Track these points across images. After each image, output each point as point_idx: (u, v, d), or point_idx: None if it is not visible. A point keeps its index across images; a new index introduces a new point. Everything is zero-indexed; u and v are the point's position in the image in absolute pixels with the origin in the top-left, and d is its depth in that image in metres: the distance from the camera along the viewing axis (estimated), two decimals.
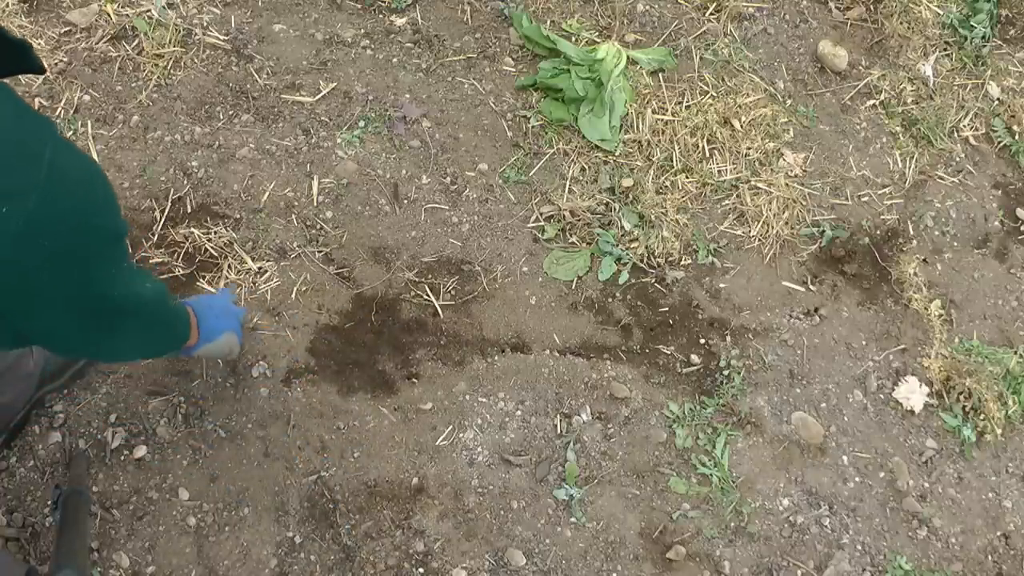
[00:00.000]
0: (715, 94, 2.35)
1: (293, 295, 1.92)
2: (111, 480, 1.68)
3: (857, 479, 1.99)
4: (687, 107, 2.31)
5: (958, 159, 2.45)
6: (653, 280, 2.12)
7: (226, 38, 2.20)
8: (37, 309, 0.99)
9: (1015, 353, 2.18)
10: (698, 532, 1.85)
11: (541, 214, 2.14)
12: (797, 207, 2.25)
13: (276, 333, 1.87)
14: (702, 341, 2.07)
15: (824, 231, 2.25)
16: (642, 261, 2.12)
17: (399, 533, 1.74)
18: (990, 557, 1.98)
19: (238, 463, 1.74)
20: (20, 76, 2.04)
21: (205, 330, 1.54)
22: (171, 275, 1.88)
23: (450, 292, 2.00)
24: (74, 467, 1.64)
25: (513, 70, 2.32)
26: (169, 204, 1.96)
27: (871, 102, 2.47)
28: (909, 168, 2.40)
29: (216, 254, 1.92)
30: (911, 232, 2.32)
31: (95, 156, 1.98)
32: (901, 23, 2.57)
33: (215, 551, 1.66)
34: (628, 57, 2.31)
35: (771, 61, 2.46)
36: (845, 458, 2.00)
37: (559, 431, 1.90)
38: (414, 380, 1.90)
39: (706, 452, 1.93)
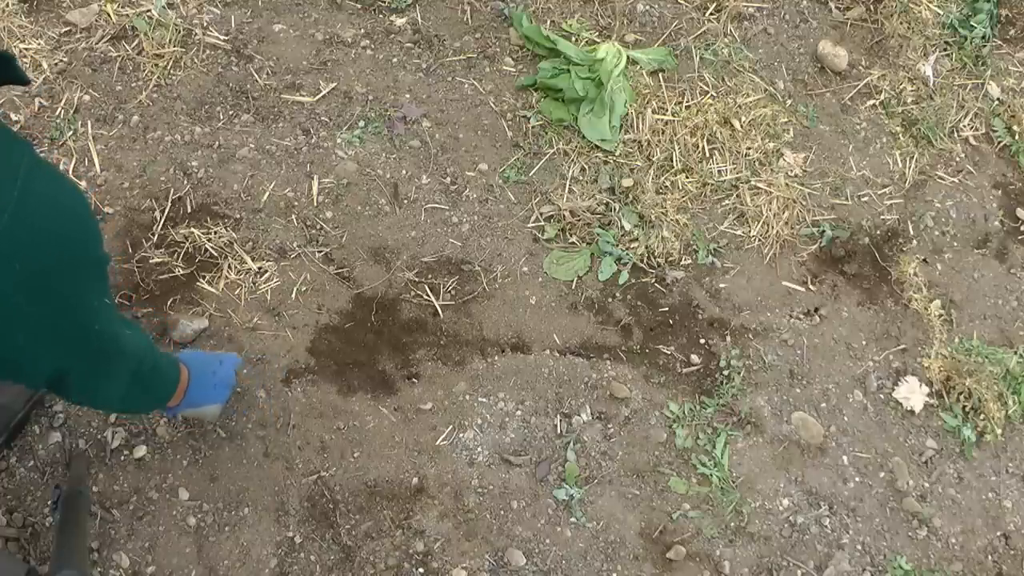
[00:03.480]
0: (715, 94, 2.35)
1: (293, 295, 1.92)
2: (111, 480, 1.68)
3: (857, 479, 1.99)
4: (687, 107, 2.31)
5: (958, 159, 2.45)
6: (653, 280, 2.12)
7: (226, 38, 2.20)
8: (11, 337, 0.94)
9: (1015, 353, 2.18)
10: (698, 532, 1.85)
11: (541, 214, 2.14)
12: (797, 207, 2.25)
13: (276, 333, 1.87)
14: (702, 341, 2.07)
15: (824, 231, 2.25)
16: (642, 261, 2.12)
17: (399, 533, 1.74)
18: (990, 557, 1.98)
19: (238, 463, 1.74)
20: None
21: (192, 396, 1.50)
22: (171, 275, 1.88)
23: (450, 292, 2.00)
24: (74, 467, 1.64)
25: (513, 70, 2.32)
26: (169, 204, 1.96)
27: (871, 102, 2.47)
28: (909, 168, 2.40)
29: (216, 254, 1.92)
30: (911, 232, 2.32)
31: (95, 156, 1.98)
32: (901, 23, 2.57)
33: (215, 551, 1.66)
34: (628, 57, 2.31)
35: (771, 61, 2.46)
36: (845, 458, 2.00)
37: (559, 431, 1.90)
38: (414, 380, 1.90)
39: (706, 452, 1.93)
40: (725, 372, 2.03)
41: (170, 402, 1.47)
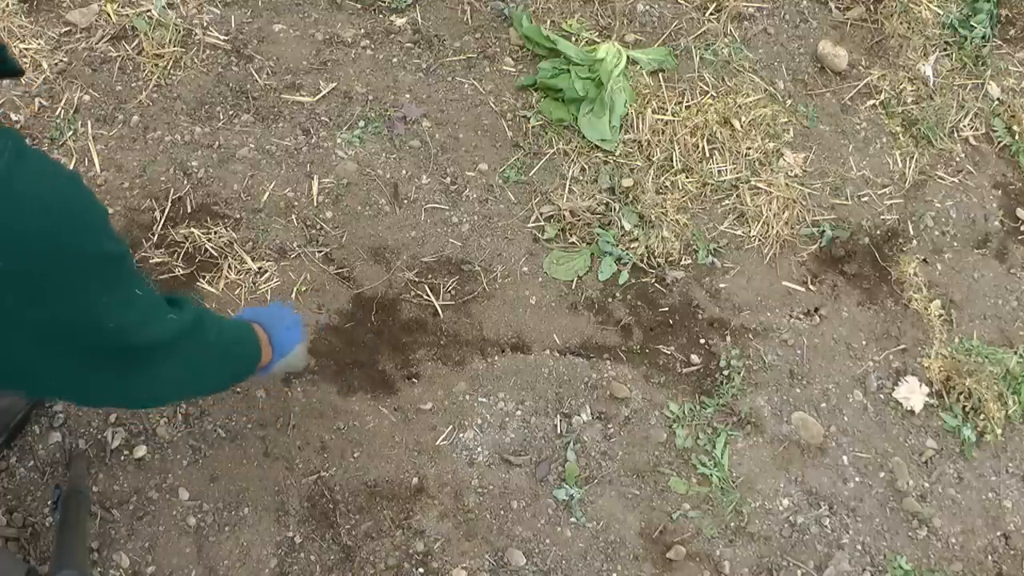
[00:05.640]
0: (715, 94, 2.35)
1: (293, 295, 1.92)
2: (111, 480, 1.68)
3: (857, 479, 1.99)
4: (687, 107, 2.31)
5: (958, 159, 2.45)
6: (653, 280, 2.12)
7: (226, 38, 2.20)
8: (8, 342, 0.88)
9: (1015, 353, 2.18)
10: (698, 532, 1.85)
11: (541, 214, 2.14)
12: (797, 207, 2.25)
13: None
14: (702, 341, 2.07)
15: (824, 231, 2.25)
16: (642, 261, 2.12)
17: (399, 533, 1.74)
18: (990, 557, 1.98)
19: (238, 463, 1.74)
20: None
21: (279, 344, 1.43)
22: (171, 275, 1.88)
23: (450, 292, 2.00)
24: (74, 467, 1.64)
25: (513, 70, 2.32)
26: (169, 204, 1.96)
27: (871, 102, 2.47)
28: (909, 168, 2.40)
29: (216, 254, 1.92)
30: (911, 232, 2.32)
31: (95, 156, 1.98)
32: (901, 23, 2.57)
33: (215, 551, 1.66)
34: (628, 57, 2.31)
35: (771, 61, 2.46)
36: (845, 458, 2.00)
37: (559, 431, 1.90)
38: (414, 380, 1.90)
39: (706, 452, 1.93)
40: (725, 372, 2.03)
41: (261, 362, 1.39)
